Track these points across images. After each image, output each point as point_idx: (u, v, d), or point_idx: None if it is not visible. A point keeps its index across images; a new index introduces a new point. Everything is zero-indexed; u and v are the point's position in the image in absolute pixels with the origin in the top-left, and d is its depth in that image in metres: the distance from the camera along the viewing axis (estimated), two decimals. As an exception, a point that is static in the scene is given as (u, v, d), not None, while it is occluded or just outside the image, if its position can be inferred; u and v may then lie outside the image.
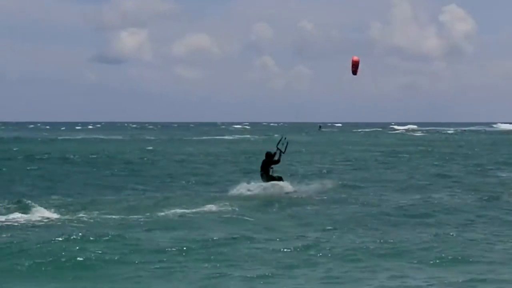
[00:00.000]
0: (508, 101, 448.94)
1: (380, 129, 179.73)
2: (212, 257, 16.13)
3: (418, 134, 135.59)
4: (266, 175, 28.28)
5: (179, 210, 23.36)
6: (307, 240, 18.15)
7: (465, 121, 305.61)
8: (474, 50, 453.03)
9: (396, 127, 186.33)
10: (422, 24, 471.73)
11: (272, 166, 28.40)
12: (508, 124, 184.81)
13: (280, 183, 28.17)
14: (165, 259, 15.91)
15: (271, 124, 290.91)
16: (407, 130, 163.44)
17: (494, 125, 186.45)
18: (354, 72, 26.60)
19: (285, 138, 28.54)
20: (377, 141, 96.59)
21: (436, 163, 49.18)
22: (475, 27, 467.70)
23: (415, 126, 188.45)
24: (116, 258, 15.94)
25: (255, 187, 27.94)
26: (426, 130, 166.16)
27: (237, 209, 23.82)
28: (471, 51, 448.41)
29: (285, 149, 28.40)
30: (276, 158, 28.26)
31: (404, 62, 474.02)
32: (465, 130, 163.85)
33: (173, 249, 16.81)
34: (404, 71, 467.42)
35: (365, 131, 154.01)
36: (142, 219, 21.60)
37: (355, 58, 26.71)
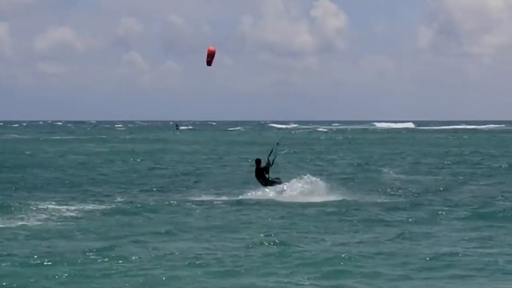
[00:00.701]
0: (382, 99, 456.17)
1: (254, 127, 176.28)
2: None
3: (295, 133, 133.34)
4: (264, 181, 28.83)
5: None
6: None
7: (345, 119, 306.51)
8: (346, 46, 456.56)
9: (276, 125, 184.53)
10: (294, 19, 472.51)
11: (265, 172, 28.87)
12: (384, 123, 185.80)
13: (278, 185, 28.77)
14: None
15: (139, 122, 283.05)
16: (286, 129, 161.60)
17: (376, 124, 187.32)
18: (209, 62, 26.75)
19: (277, 144, 29.56)
20: (256, 139, 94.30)
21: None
22: (347, 22, 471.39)
23: (295, 125, 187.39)
24: None
25: None
26: (304, 128, 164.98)
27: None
28: (344, 47, 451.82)
29: (273, 162, 28.97)
30: (263, 165, 28.85)
31: (277, 58, 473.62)
32: (345, 129, 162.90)
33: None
34: (276, 67, 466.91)
35: (239, 130, 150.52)
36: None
37: (211, 48, 26.89)
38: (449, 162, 49.95)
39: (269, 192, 28.24)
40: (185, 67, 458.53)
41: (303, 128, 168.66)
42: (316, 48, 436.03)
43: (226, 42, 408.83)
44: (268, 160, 28.90)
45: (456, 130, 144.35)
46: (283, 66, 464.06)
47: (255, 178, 29.29)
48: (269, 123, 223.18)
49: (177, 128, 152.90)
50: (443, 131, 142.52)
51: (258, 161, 29.11)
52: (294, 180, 28.84)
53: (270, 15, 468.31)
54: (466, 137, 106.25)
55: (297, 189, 28.33)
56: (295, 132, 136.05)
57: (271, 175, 29.00)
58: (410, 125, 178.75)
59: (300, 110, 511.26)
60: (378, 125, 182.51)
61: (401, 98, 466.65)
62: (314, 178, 28.77)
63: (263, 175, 28.84)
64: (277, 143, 29.68)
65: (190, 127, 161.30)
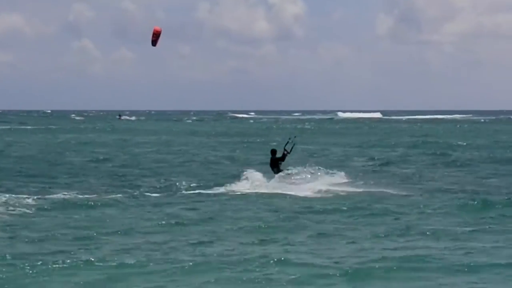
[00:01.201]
0: (342, 88, 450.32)
1: (211, 117, 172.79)
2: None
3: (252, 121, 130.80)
4: (277, 169, 29.41)
5: None
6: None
7: (306, 109, 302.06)
8: (304, 34, 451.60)
9: (238, 115, 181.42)
10: (251, 6, 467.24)
11: (280, 162, 29.43)
12: (348, 113, 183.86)
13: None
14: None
15: (93, 112, 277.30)
16: (246, 118, 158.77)
17: (340, 113, 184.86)
18: (154, 42, 26.64)
19: (295, 137, 30.47)
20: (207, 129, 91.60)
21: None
22: (306, 9, 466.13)
23: (252, 114, 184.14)
24: None
25: None
26: (267, 118, 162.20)
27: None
28: (302, 34, 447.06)
29: (291, 150, 29.45)
30: (280, 156, 29.41)
31: (234, 45, 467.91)
32: (311, 118, 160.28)
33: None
34: (234, 55, 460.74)
35: (195, 120, 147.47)
36: None
37: (157, 27, 26.89)
38: (421, 153, 48.96)
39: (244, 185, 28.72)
40: (139, 55, 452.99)
41: (267, 118, 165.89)
42: (274, 36, 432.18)
43: (182, 29, 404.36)
44: (285, 150, 29.47)
45: (425, 120, 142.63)
46: (240, 54, 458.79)
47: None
48: (229, 113, 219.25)
49: (119, 118, 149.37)
50: (410, 121, 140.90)
51: (273, 151, 29.86)
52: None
53: (227, 1, 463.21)
54: (438, 127, 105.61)
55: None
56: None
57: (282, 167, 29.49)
58: (378, 115, 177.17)
59: (259, 99, 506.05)
60: (343, 115, 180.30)
61: (361, 86, 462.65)
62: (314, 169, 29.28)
63: (277, 165, 29.49)
64: (295, 136, 30.80)
65: (133, 117, 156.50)
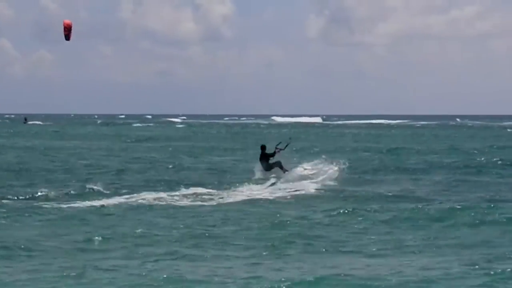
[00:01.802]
0: (276, 91, 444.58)
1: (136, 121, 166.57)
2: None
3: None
4: (266, 164, 31.98)
5: None
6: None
7: (240, 113, 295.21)
8: (233, 35, 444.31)
9: (171, 119, 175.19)
10: (177, 6, 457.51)
11: (269, 158, 31.97)
12: (282, 118, 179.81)
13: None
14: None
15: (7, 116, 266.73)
16: (175, 122, 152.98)
17: (276, 118, 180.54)
18: (67, 36, 26.83)
19: (290, 138, 33.83)
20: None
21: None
22: (234, 9, 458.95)
23: (183, 118, 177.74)
24: None
25: None
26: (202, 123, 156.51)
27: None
28: (230, 35, 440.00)
29: (285, 147, 32.26)
30: (270, 152, 32.06)
31: (159, 47, 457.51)
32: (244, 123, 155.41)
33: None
34: (159, 57, 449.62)
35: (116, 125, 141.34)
36: None
37: (67, 21, 27.04)
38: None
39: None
40: (60, 55, 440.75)
41: (199, 122, 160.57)
42: (201, 37, 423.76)
43: (105, 29, 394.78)
44: (277, 148, 32.09)
45: (368, 125, 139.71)
46: (166, 55, 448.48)
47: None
48: (148, 117, 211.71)
49: (25, 122, 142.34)
50: (353, 125, 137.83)
51: (263, 147, 32.42)
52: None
53: (152, 1, 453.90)
54: (381, 132, 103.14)
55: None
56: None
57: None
58: (318, 119, 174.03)
59: (188, 103, 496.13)
60: (279, 119, 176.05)
61: (294, 89, 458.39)
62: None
63: (267, 160, 31.93)
64: (290, 138, 34.31)
65: (40, 122, 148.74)
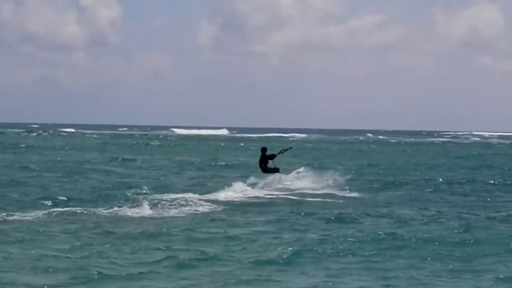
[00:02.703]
0: (168, 102, 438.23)
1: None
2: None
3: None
4: (265, 165, 34.69)
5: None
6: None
7: (134, 124, 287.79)
8: (120, 41, 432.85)
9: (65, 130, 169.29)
10: (61, 8, 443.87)
11: (268, 161, 34.87)
12: (183, 129, 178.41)
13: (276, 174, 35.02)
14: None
15: None
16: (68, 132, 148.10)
17: (176, 130, 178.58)
18: None
19: (290, 147, 38.10)
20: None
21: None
22: (122, 13, 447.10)
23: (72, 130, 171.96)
24: None
25: None
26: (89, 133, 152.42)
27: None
28: (117, 41, 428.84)
29: (285, 151, 35.69)
30: (269, 154, 35.08)
31: (41, 51, 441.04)
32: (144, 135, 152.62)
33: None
34: (40, 62, 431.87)
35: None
36: None
37: None
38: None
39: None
40: None
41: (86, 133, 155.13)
42: (86, 42, 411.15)
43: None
44: (276, 153, 35.24)
45: (268, 138, 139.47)
46: (48, 61, 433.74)
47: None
48: (35, 126, 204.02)
49: None
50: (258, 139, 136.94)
51: (264, 149, 35.55)
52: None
53: (34, 2, 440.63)
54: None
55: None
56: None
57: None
58: (224, 131, 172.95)
59: (74, 112, 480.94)
60: (179, 131, 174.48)
61: (187, 100, 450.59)
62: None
63: (265, 162, 34.71)
64: (290, 147, 38.09)
65: None
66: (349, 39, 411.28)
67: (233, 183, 34.06)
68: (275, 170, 34.66)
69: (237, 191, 32.89)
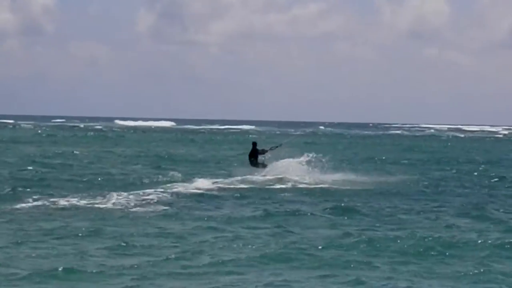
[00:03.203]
0: (99, 92, 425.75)
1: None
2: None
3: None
4: (255, 159, 35.61)
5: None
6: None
7: (72, 115, 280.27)
8: (54, 29, 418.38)
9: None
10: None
11: (258, 154, 35.72)
12: (128, 121, 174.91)
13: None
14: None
15: None
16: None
17: (119, 121, 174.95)
18: None
19: (281, 144, 37.84)
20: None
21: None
22: (56, 1, 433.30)
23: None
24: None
25: None
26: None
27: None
28: (51, 30, 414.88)
29: (275, 148, 36.59)
30: (260, 149, 35.96)
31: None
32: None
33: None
34: None
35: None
36: None
37: None
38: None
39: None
40: None
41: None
42: (18, 30, 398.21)
43: None
44: (267, 149, 36.03)
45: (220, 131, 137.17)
46: None
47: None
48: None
49: None
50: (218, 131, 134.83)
51: (254, 143, 36.18)
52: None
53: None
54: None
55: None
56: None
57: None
58: (170, 123, 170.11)
59: (9, 103, 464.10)
60: (122, 123, 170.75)
61: (128, 91, 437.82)
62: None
63: (256, 156, 35.42)
64: (281, 144, 37.76)
65: None
66: (292, 28, 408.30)
67: (174, 175, 34.29)
68: (264, 166, 35.69)
69: (185, 185, 32.35)
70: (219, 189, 31.99)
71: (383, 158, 56.18)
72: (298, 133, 74.69)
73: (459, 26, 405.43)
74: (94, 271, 16.50)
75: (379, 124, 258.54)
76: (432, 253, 18.92)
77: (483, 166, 50.41)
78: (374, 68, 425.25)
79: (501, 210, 27.40)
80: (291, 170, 35.25)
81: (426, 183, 36.71)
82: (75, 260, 17.48)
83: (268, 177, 34.58)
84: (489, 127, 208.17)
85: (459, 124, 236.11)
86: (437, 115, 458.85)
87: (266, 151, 36.00)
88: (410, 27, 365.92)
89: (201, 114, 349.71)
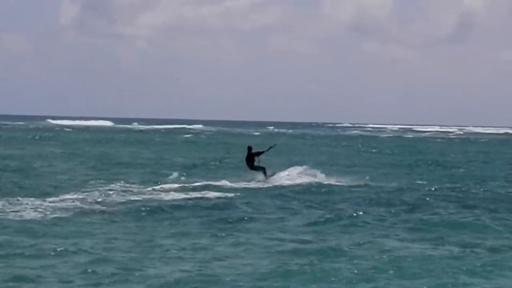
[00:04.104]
0: (36, 90, 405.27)
1: None
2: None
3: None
4: (252, 163, 36.17)
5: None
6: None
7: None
8: None
9: None
10: None
11: (255, 158, 36.24)
12: (61, 120, 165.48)
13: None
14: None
15: None
16: None
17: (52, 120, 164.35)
18: None
19: (275, 144, 37.36)
20: None
21: None
22: None
23: None
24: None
25: None
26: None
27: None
28: None
29: (269, 150, 36.50)
30: (255, 152, 36.43)
31: None
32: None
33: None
34: None
35: None
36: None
37: None
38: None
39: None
40: None
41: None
42: None
43: None
44: (262, 151, 36.32)
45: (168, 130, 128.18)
46: None
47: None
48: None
49: None
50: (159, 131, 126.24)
51: (249, 148, 36.89)
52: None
53: None
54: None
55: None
56: None
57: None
58: (108, 123, 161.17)
59: None
60: (55, 122, 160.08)
61: (50, 87, 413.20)
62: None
63: (252, 160, 36.15)
64: (275, 144, 37.36)
65: None
66: (225, 21, 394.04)
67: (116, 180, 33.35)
68: (262, 168, 35.78)
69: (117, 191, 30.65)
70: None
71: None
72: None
73: (402, 20, 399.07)
74: None
75: (324, 123, 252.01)
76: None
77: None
78: (314, 63, 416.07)
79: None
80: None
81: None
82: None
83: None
84: (438, 127, 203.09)
85: (405, 124, 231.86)
86: (376, 114, 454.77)
87: (261, 153, 36.37)
88: (351, 20, 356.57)
89: (141, 113, 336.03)
